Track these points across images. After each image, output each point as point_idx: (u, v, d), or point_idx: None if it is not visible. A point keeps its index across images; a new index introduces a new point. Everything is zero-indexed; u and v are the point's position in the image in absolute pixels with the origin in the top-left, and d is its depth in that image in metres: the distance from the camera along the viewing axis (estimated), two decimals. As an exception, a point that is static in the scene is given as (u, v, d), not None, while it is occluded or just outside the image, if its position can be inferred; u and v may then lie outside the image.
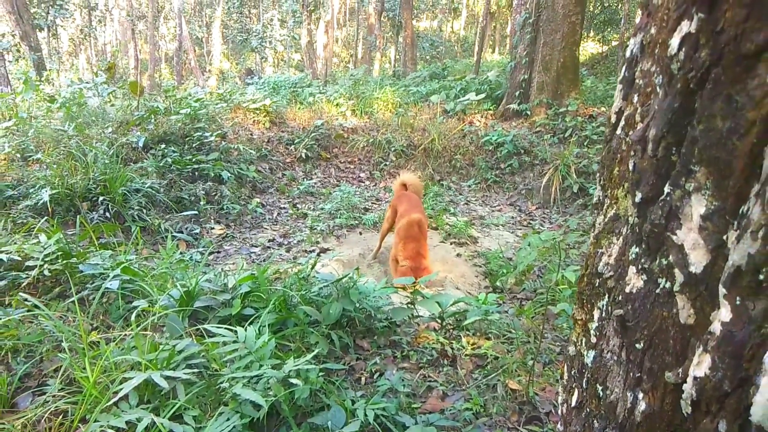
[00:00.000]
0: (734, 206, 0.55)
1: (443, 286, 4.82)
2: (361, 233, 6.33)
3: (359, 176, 8.61)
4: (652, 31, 0.67)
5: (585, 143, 8.33)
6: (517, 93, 9.90)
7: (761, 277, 0.50)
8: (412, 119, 9.69)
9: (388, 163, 8.82)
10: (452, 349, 2.71)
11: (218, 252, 5.27)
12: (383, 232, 5.58)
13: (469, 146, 9.05)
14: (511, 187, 8.42)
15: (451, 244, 6.13)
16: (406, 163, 8.86)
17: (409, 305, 3.05)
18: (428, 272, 4.51)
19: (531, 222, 7.25)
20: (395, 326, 2.92)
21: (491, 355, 2.65)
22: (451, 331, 2.99)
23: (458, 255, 5.79)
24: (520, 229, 6.93)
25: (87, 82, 8.10)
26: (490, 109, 10.42)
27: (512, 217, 7.39)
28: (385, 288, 3.14)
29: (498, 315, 3.05)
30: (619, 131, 0.74)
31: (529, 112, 9.62)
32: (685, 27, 0.59)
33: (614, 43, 18.58)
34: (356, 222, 6.56)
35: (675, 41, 0.61)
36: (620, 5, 18.72)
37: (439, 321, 3.04)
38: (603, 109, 9.34)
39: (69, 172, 4.92)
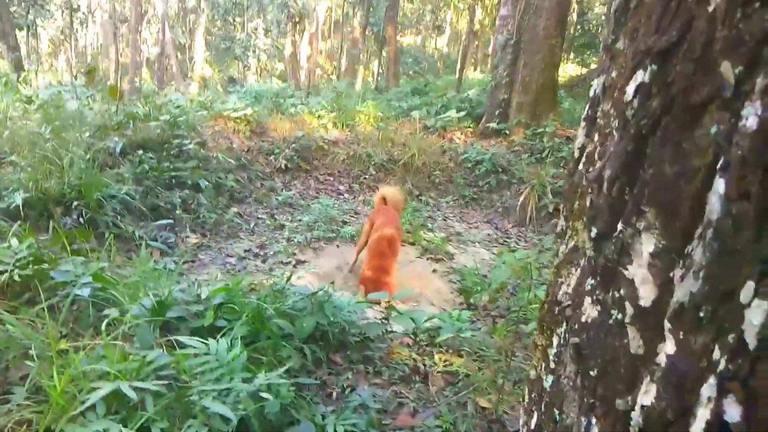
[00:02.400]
0: (681, 245, 0.58)
1: (418, 302, 4.84)
2: (338, 246, 6.33)
3: (338, 189, 8.62)
4: (613, 74, 0.71)
5: (561, 164, 8.48)
6: (496, 112, 10.05)
7: (701, 314, 0.53)
8: (393, 134, 9.76)
9: (367, 176, 8.85)
10: (424, 365, 2.72)
11: (193, 261, 5.22)
12: (360, 246, 5.60)
13: (448, 163, 9.14)
14: (489, 205, 8.51)
15: (427, 259, 6.16)
16: (385, 177, 8.90)
17: (383, 320, 3.06)
18: (388, 289, 4.57)
19: (507, 240, 7.33)
20: (369, 341, 2.93)
21: (463, 372, 2.67)
22: (424, 347, 3.01)
23: (434, 271, 5.83)
24: (496, 246, 7.00)
25: (66, 85, 7.99)
26: (470, 127, 10.55)
27: (488, 235, 7.46)
28: (360, 302, 3.15)
29: (471, 332, 3.08)
30: (580, 167, 0.77)
31: (508, 132, 9.77)
32: (640, 76, 0.63)
33: (593, 66, 18.96)
34: (334, 235, 6.55)
35: (630, 88, 0.64)
36: (600, 29, 19.16)
37: (413, 337, 3.05)
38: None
39: (44, 175, 4.84)
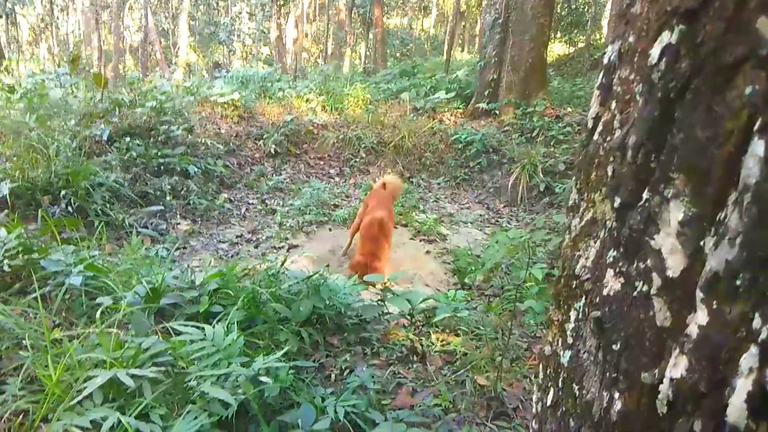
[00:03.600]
0: (712, 213, 0.57)
1: (412, 283, 4.85)
2: (330, 230, 6.31)
3: (329, 172, 8.58)
4: (630, 39, 0.69)
5: (551, 143, 8.47)
6: (486, 92, 10.00)
7: (738, 282, 0.51)
8: (383, 116, 9.69)
9: (358, 159, 8.80)
10: (422, 345, 2.72)
11: (185, 248, 5.18)
12: (353, 229, 5.58)
13: (438, 144, 9.10)
14: (480, 185, 8.51)
15: (420, 241, 6.16)
16: (376, 159, 8.85)
17: (379, 302, 3.06)
18: (378, 272, 4.58)
19: (499, 220, 7.35)
20: (365, 323, 2.93)
21: (460, 351, 2.68)
22: (420, 328, 3.01)
23: (427, 252, 5.83)
24: (488, 226, 7.01)
25: (49, 73, 7.85)
26: (459, 108, 10.49)
27: (480, 215, 7.47)
28: (355, 285, 3.14)
29: (467, 312, 3.08)
30: (596, 137, 0.75)
31: (497, 112, 9.73)
32: (666, 38, 0.60)
33: (581, 45, 18.91)
34: (326, 218, 6.53)
35: (655, 51, 0.62)
36: (587, 8, 19.08)
37: (409, 318, 3.05)
38: (569, 109, 9.51)
39: (30, 164, 4.76)
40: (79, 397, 1.79)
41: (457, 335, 2.91)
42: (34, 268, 2.79)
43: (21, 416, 1.84)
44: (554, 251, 4.55)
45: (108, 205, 4.94)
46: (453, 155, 8.95)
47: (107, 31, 26.57)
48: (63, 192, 4.61)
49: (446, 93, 10.62)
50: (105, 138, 6.02)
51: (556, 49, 20.42)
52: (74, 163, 4.92)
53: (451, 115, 10.26)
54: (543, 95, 9.63)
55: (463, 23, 26.94)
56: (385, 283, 3.26)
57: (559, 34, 20.15)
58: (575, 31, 19.40)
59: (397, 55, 25.03)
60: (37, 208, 4.33)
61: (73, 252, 3.09)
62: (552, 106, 9.57)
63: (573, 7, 19.22)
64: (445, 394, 2.28)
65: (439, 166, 8.88)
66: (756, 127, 0.51)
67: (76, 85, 7.85)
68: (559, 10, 17.62)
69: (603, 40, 17.37)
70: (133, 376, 1.83)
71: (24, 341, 2.09)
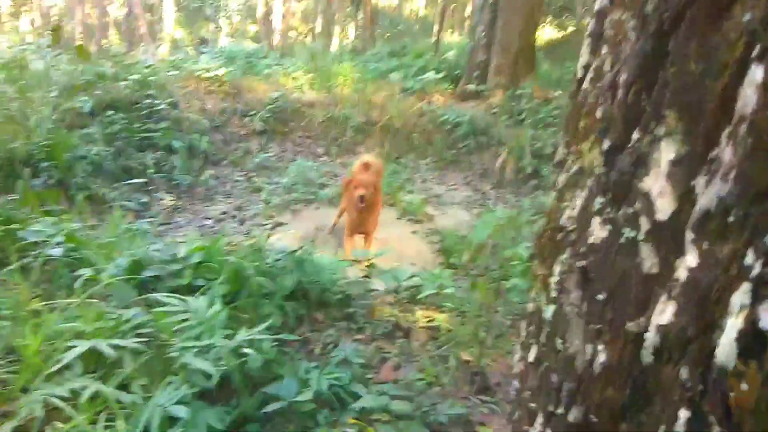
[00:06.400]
0: (704, 151, 0.55)
1: (399, 262, 4.84)
2: (317, 208, 6.27)
3: (316, 151, 8.51)
4: (623, -19, 0.66)
5: (540, 126, 8.47)
6: (475, 74, 9.95)
7: (730, 219, 0.50)
8: (371, 96, 9.61)
9: (345, 138, 8.73)
10: (406, 321, 2.72)
11: (169, 224, 5.13)
12: (341, 209, 5.54)
13: (426, 125, 9.05)
14: (468, 167, 8.49)
15: (407, 221, 6.15)
16: (363, 139, 8.79)
17: (365, 278, 3.05)
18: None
19: (486, 201, 7.35)
20: (350, 299, 2.91)
21: (445, 327, 2.68)
22: (405, 304, 3.01)
23: (414, 232, 5.83)
24: (476, 208, 7.02)
25: (30, 44, 7.67)
26: (448, 89, 10.43)
27: (468, 196, 7.47)
28: (341, 261, 3.13)
29: (452, 289, 3.08)
30: (585, 85, 0.74)
31: (486, 94, 9.69)
32: (660, -31, 0.58)
33: (571, 29, 18.86)
34: (312, 197, 6.49)
35: (650, -19, 0.60)
36: (577, -9, 19.00)
37: (395, 294, 3.05)
38: (558, 93, 9.50)
39: (10, 136, 4.66)
40: (58, 366, 1.76)
41: (442, 312, 2.91)
42: (14, 240, 2.74)
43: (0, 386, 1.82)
44: (539, 232, 4.56)
45: (90, 179, 4.87)
46: (441, 136, 8.91)
47: (91, 4, 26.01)
48: (43, 164, 4.53)
49: (435, 74, 10.54)
50: (87, 110, 5.91)
51: (547, 33, 20.34)
52: (56, 135, 4.82)
53: (440, 96, 10.19)
54: (532, 78, 9.60)
55: (453, 5, 26.72)
56: (370, 260, 3.25)
57: (549, 18, 20.06)
58: (566, 15, 19.33)
59: (387, 35, 24.80)
60: (16, 180, 4.24)
61: (53, 224, 3.03)
62: (541, 89, 9.54)
63: (564, -10, 19.14)
64: (429, 369, 2.28)
65: (427, 147, 8.85)
66: (754, 54, 0.49)
67: (59, 57, 7.69)
68: (549, -6, 17.53)
69: (593, 24, 17.29)
70: (114, 347, 1.80)
71: (2, 312, 2.05)
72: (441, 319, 2.77)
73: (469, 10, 21.58)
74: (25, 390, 1.77)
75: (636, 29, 0.62)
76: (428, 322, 2.77)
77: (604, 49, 0.69)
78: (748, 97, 0.49)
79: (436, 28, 16.12)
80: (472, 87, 9.88)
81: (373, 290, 3.10)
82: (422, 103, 9.53)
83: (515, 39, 9.46)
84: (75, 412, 1.59)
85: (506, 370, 2.37)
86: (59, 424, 1.55)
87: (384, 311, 2.83)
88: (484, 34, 9.80)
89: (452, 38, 21.21)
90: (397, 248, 5.09)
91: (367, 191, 4.81)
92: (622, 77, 0.63)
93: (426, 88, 10.23)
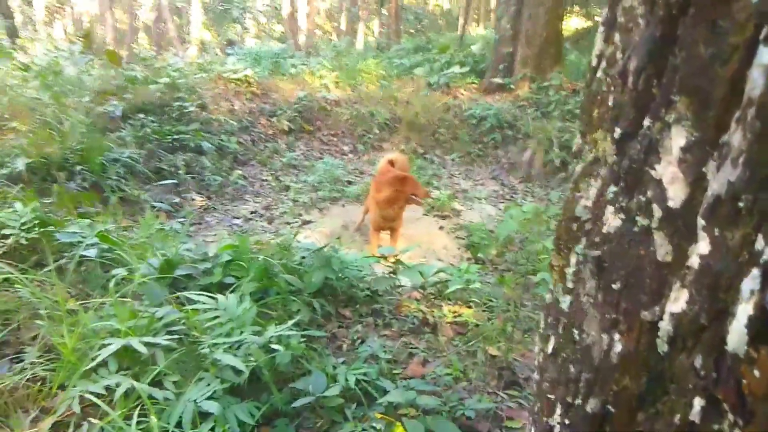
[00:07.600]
0: (714, 137, 0.54)
1: (425, 258, 4.84)
2: (343, 206, 6.31)
3: (342, 149, 8.54)
4: (636, -33, 0.65)
5: (567, 117, 8.34)
6: (500, 67, 9.85)
7: (741, 204, 0.49)
8: (396, 92, 9.60)
9: (371, 135, 8.75)
10: (433, 317, 2.72)
11: (199, 223, 5.22)
12: (366, 206, 5.56)
13: (452, 119, 9.01)
14: (494, 161, 8.43)
15: (434, 216, 6.14)
16: (389, 136, 8.80)
17: (391, 275, 3.05)
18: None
19: (513, 195, 7.29)
20: (377, 295, 2.93)
21: (472, 322, 2.67)
22: (432, 300, 3.01)
23: (441, 228, 5.81)
24: (503, 202, 6.97)
25: (63, 50, 7.88)
26: (474, 83, 10.35)
27: (495, 191, 7.41)
28: (368, 257, 3.14)
29: (479, 284, 3.07)
30: (599, 73, 0.73)
31: (512, 86, 9.58)
32: (669, -50, 0.57)
33: (597, 18, 18.48)
34: (339, 195, 6.53)
35: (659, -35, 0.59)
36: (604, -21, 18.62)
37: (421, 290, 3.05)
38: (586, 83, 9.33)
39: (45, 141, 4.80)
40: (93, 364, 1.81)
41: (469, 307, 2.91)
42: (50, 241, 2.82)
43: (39, 383, 1.88)
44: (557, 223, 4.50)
45: (123, 181, 4.98)
46: (467, 131, 8.85)
47: (122, 10, 26.56)
48: (78, 168, 4.65)
49: (460, 68, 10.47)
50: (119, 114, 6.05)
51: (573, 23, 20.00)
52: (89, 140, 4.95)
53: (465, 90, 10.12)
54: (559, 69, 9.45)
55: (478, -2, 26.47)
56: (396, 256, 3.25)
57: (576, 8, 19.71)
58: (592, 4, 18.96)
59: (411, 31, 24.72)
60: (53, 183, 4.38)
61: (88, 225, 3.12)
62: (568, 80, 9.39)
63: (590, -21, 18.78)
64: (456, 364, 2.28)
65: (453, 142, 8.80)
66: (762, 36, 0.48)
67: (91, 63, 7.88)
68: (576, -18, 17.23)
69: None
70: (146, 344, 1.85)
71: (40, 311, 2.12)
72: (468, 314, 2.77)
73: (494, 2, 21.36)
74: (62, 387, 1.83)
75: (645, 15, 0.61)
76: (455, 317, 2.76)
77: (617, 37, 0.69)
78: (756, 80, 0.48)
79: (461, 21, 16.01)
80: (497, 80, 9.78)
81: (399, 286, 3.11)
82: (448, 98, 9.48)
83: (541, 30, 9.32)
84: (110, 408, 1.63)
85: (534, 365, 2.36)
86: (94, 420, 1.60)
87: (411, 307, 2.84)
88: (509, 25, 9.69)
89: (477, 31, 21.04)
90: (424, 244, 5.09)
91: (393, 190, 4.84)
92: (632, 64, 0.62)
93: (451, 82, 10.17)
